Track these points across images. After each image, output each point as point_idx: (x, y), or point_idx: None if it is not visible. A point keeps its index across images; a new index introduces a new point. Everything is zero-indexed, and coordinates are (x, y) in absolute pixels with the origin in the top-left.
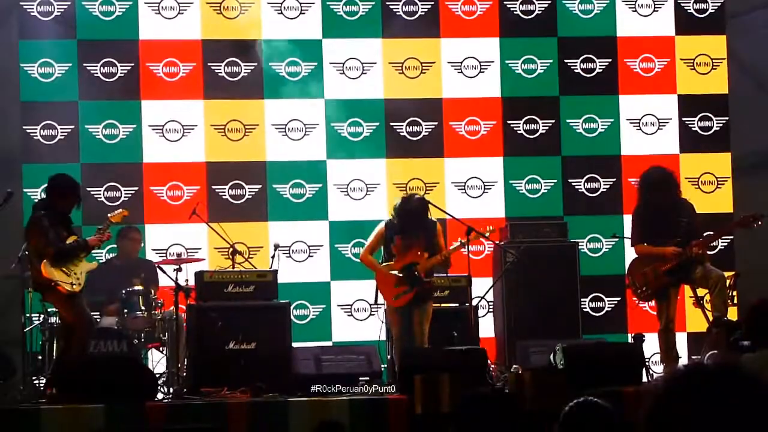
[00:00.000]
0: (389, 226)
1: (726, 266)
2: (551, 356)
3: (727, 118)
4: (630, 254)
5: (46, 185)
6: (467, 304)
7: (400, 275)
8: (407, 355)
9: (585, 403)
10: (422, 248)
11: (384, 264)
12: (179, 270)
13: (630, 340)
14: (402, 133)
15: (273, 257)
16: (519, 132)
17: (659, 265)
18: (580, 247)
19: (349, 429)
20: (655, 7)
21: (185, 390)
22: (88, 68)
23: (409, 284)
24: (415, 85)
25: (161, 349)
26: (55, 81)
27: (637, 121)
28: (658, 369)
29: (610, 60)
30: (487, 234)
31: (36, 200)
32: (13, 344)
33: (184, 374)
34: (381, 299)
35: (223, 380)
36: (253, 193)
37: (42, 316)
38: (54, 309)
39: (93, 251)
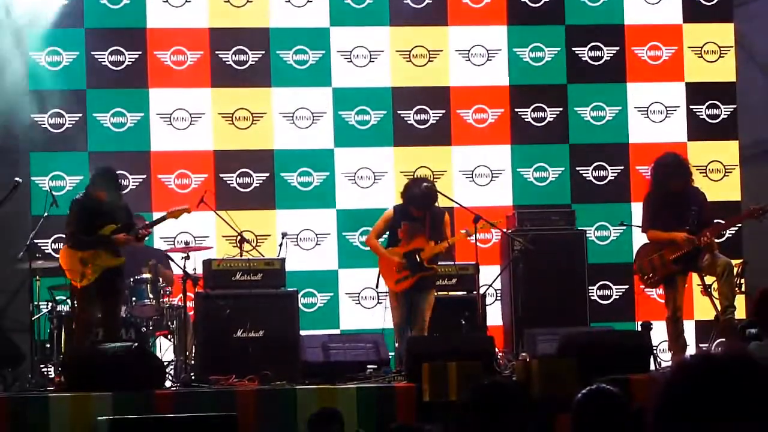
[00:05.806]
0: (397, 211)
1: (734, 254)
2: (557, 344)
3: (734, 106)
4: (637, 242)
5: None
6: (475, 292)
7: (403, 260)
8: (415, 343)
9: (597, 390)
10: (428, 235)
11: (388, 249)
12: (187, 258)
13: (638, 328)
14: (409, 122)
15: (281, 245)
16: (527, 120)
17: (667, 252)
18: (587, 235)
19: (357, 417)
20: None
21: (193, 378)
22: (96, 56)
23: (410, 270)
24: (422, 73)
25: (169, 337)
26: (63, 69)
27: (645, 109)
28: (665, 357)
29: (617, 48)
30: (495, 223)
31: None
32: (21, 332)
33: (192, 362)
34: (382, 285)
35: (231, 368)
36: (261, 182)
37: (50, 304)
38: (62, 297)
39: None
